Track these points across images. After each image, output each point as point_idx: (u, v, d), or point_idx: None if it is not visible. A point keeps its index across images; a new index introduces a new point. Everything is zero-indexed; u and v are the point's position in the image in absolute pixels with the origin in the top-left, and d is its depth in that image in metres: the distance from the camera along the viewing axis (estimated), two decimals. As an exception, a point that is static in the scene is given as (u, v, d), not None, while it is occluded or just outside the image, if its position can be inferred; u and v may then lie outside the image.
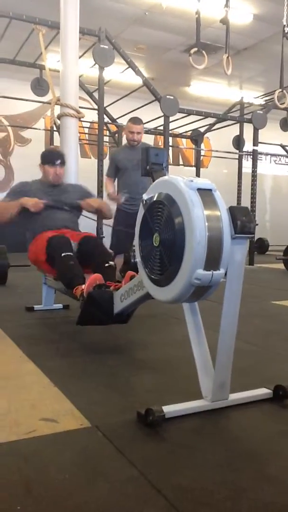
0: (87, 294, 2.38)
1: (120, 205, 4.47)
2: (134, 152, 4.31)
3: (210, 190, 1.51)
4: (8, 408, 1.67)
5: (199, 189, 1.49)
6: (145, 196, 1.72)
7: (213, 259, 1.45)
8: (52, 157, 3.46)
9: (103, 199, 4.53)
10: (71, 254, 2.79)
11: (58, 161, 3.40)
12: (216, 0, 5.97)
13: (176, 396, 1.75)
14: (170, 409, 1.56)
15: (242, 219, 1.51)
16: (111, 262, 2.87)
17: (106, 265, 2.82)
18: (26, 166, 9.09)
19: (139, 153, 4.25)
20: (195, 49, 5.29)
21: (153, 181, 2.10)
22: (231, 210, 1.52)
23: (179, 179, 1.54)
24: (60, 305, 3.56)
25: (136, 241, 1.77)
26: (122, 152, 4.55)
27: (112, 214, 3.49)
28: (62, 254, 2.74)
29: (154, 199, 1.64)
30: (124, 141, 8.07)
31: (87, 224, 4.39)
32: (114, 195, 4.53)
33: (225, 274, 1.52)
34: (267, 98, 9.54)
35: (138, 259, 1.76)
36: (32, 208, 3.11)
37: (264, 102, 9.33)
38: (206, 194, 1.49)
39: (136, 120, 4.43)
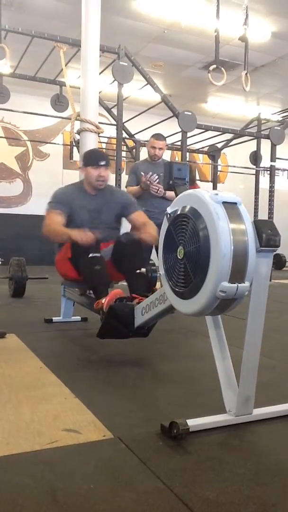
0: (108, 307, 2.39)
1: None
2: (154, 167, 4.33)
3: (235, 203, 1.52)
4: (30, 418, 1.68)
5: (224, 203, 1.50)
6: (169, 210, 1.73)
7: (238, 272, 1.45)
8: (96, 157, 3.07)
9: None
10: (99, 255, 2.65)
11: (103, 162, 3.04)
12: (234, 18, 6.06)
13: (197, 409, 1.74)
14: (194, 423, 1.55)
15: (267, 232, 1.52)
16: (143, 269, 2.73)
17: (137, 271, 2.71)
18: (44, 180, 9.34)
19: (159, 168, 4.30)
20: (214, 66, 5.36)
21: (176, 195, 2.12)
22: (256, 223, 1.53)
23: (204, 192, 1.55)
24: (78, 318, 3.58)
25: (159, 254, 1.78)
26: (143, 165, 4.54)
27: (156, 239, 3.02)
28: (90, 255, 2.61)
29: (178, 212, 1.65)
30: (142, 156, 8.19)
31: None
32: (145, 179, 4.25)
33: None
34: (284, 114, 9.58)
35: (161, 272, 1.77)
36: (82, 242, 2.71)
37: (281, 118, 9.37)
38: (231, 207, 1.50)
39: (159, 136, 4.44)
